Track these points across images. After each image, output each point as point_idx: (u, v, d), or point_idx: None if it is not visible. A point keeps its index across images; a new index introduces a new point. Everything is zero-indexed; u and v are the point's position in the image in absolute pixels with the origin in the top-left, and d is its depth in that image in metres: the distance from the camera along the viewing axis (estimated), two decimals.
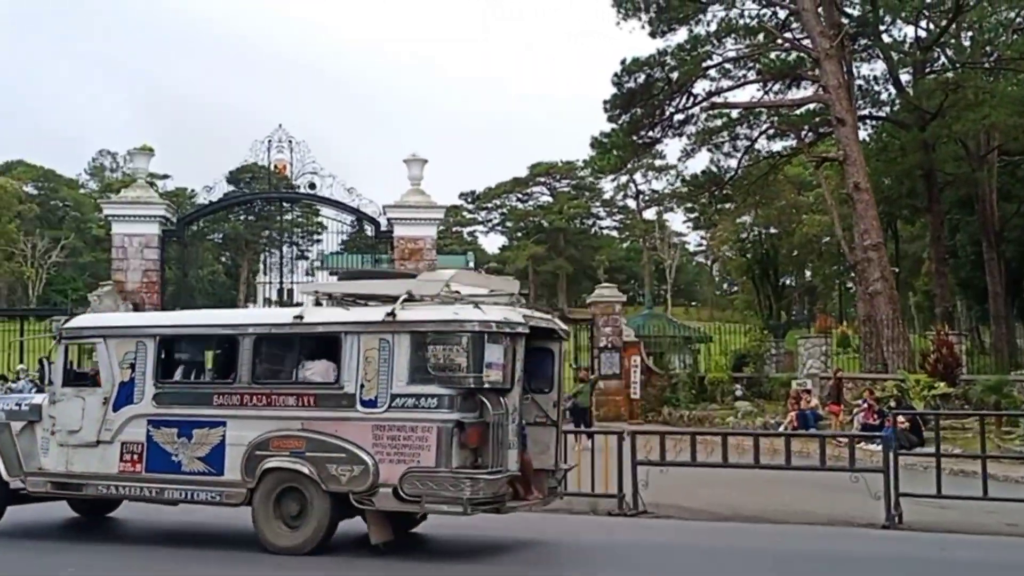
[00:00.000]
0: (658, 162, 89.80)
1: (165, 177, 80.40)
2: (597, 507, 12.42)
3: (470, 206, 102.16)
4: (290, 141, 27.77)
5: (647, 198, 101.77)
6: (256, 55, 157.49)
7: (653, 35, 36.01)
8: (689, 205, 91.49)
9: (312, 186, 27.83)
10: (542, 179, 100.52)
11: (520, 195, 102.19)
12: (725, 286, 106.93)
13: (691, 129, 37.76)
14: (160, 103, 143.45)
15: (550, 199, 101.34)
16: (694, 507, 12.61)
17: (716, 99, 35.10)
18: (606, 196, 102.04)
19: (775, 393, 27.98)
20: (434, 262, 28.23)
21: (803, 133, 35.67)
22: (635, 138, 37.77)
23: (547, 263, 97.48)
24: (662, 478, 12.17)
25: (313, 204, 28.33)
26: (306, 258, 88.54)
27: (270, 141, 27.71)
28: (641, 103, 35.96)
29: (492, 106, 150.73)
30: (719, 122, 37.40)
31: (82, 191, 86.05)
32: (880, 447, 12.79)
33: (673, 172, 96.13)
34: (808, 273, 54.01)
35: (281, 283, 52.63)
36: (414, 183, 28.14)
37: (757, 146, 37.82)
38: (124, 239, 27.30)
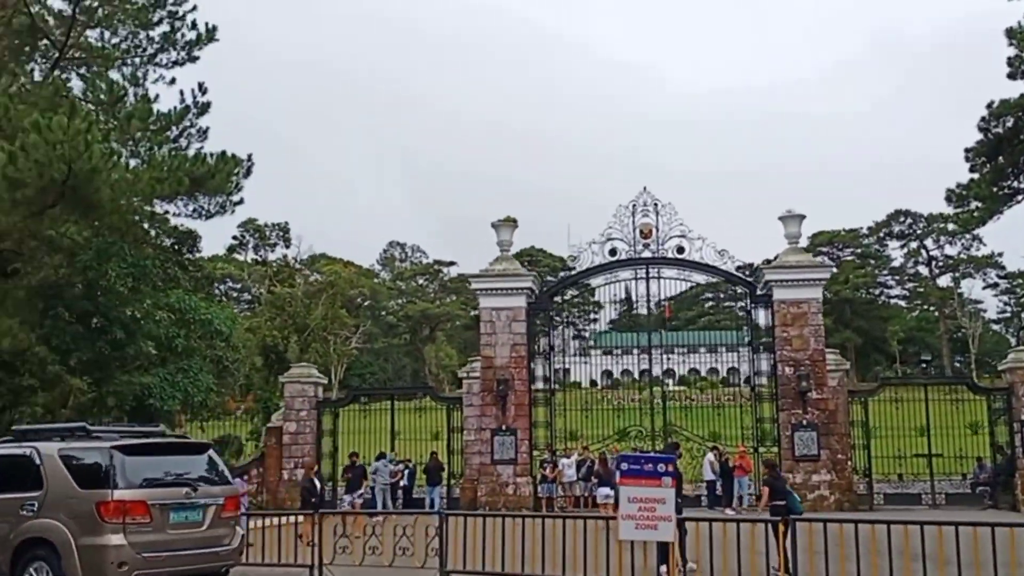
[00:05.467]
0: (951, 226, 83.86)
1: (451, 264, 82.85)
2: None
3: (749, 279, 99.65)
4: (656, 204, 26.43)
5: (940, 264, 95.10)
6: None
7: (1012, 76, 33.08)
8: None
9: (680, 250, 26.33)
10: (824, 249, 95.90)
11: None
12: None
13: None
14: (436, 195, 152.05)
15: (834, 269, 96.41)
16: None
17: None
18: (894, 264, 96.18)
19: None
20: (819, 328, 25.94)
21: None
22: (996, 189, 34.54)
23: (834, 335, 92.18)
24: None
25: (683, 269, 26.71)
26: (584, 337, 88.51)
27: (634, 205, 26.47)
28: (1008, 151, 32.92)
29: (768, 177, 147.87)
30: None
31: (375, 281, 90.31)
32: None
33: (969, 236, 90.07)
34: None
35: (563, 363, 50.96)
36: (791, 241, 26.15)
37: None
38: (492, 313, 26.48)
